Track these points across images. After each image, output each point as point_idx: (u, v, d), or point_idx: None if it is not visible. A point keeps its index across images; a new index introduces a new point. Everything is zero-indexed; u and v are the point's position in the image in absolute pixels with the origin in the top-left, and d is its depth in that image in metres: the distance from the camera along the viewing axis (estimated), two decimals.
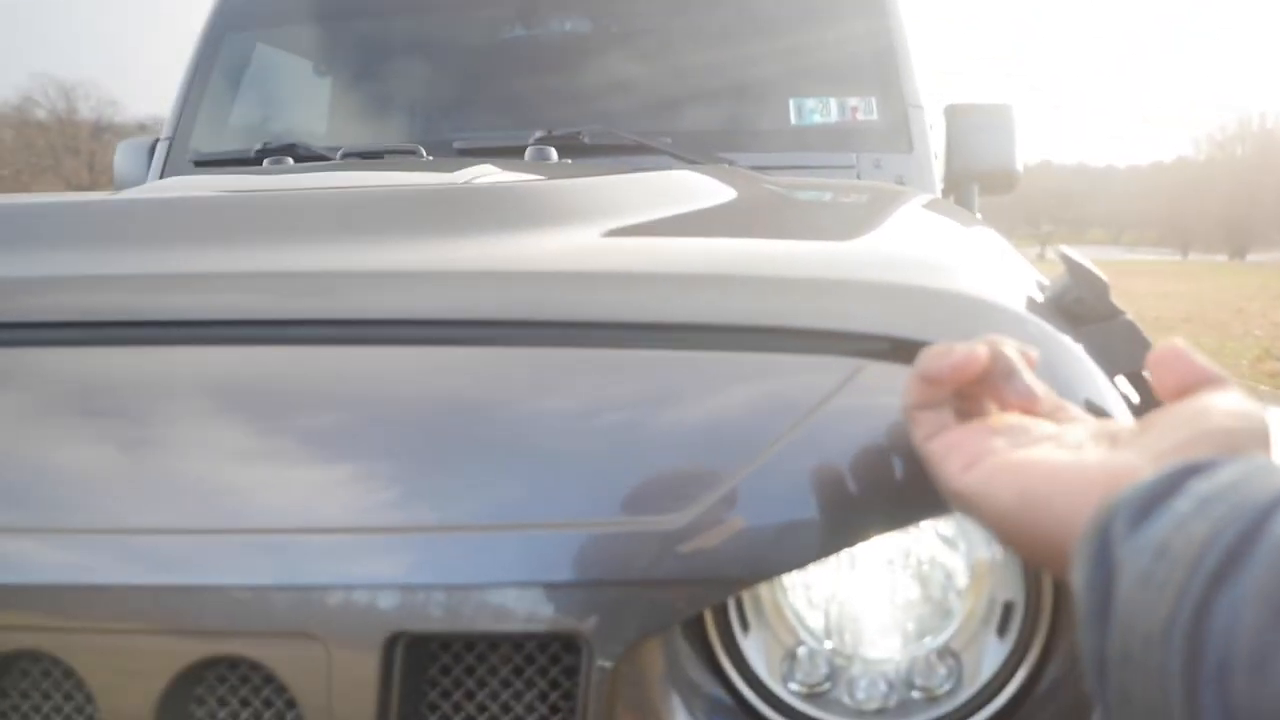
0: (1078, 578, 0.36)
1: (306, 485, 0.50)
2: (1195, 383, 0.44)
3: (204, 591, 0.48)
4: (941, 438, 0.46)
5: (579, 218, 0.74)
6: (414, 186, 0.83)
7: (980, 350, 0.46)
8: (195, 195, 0.79)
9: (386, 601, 0.48)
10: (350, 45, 1.92)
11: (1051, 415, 0.48)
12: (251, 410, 0.53)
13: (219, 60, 1.90)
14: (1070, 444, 0.44)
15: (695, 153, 1.51)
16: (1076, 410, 0.49)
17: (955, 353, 0.46)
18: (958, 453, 0.45)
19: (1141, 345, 0.59)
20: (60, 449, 0.53)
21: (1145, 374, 0.58)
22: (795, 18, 1.76)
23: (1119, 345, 0.58)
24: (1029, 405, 0.46)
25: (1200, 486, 0.34)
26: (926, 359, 0.47)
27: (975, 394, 0.48)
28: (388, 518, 0.49)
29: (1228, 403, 0.42)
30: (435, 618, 0.48)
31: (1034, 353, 0.49)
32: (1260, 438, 0.41)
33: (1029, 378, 0.47)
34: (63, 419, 0.54)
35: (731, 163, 1.51)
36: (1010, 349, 0.47)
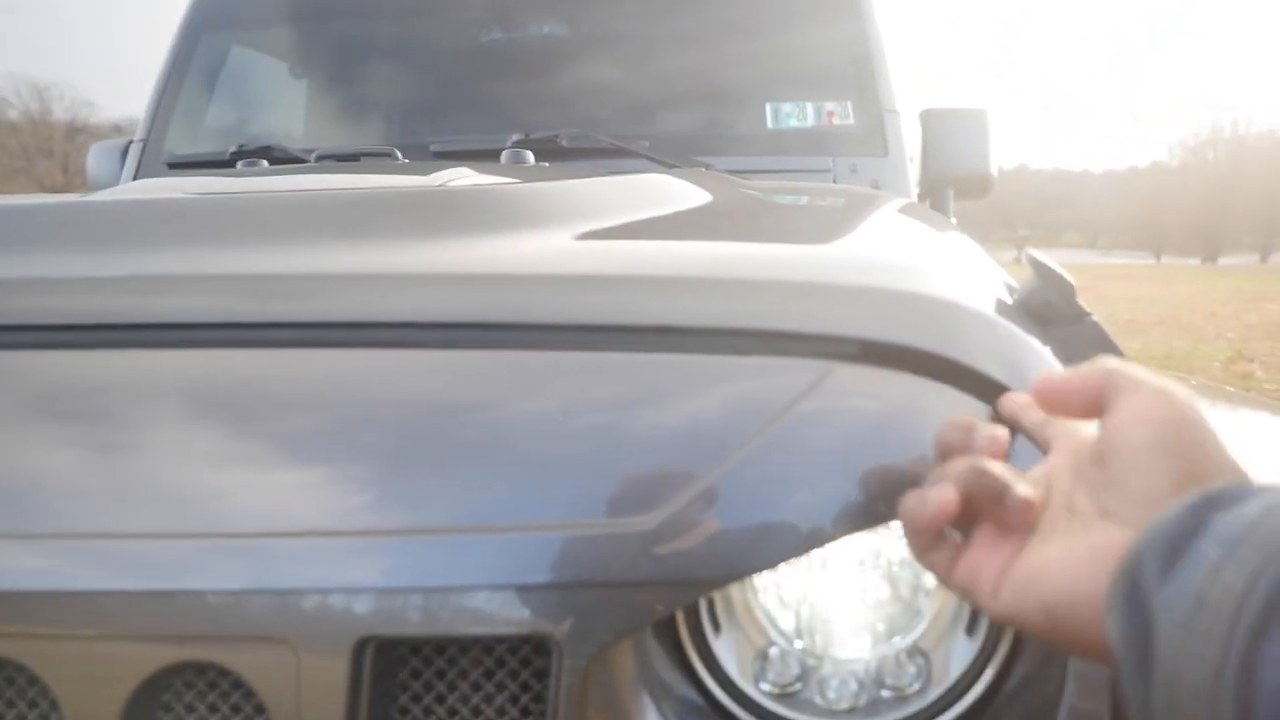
0: (1112, 631, 0.36)
1: (279, 489, 0.50)
2: (1101, 387, 0.44)
3: (171, 596, 0.48)
4: (958, 567, 0.46)
5: (553, 221, 0.74)
6: (389, 188, 0.82)
7: (950, 495, 0.44)
8: (169, 197, 0.78)
9: (357, 605, 0.48)
10: (327, 48, 1.91)
11: (1038, 430, 0.48)
12: (224, 414, 0.53)
13: (194, 62, 1.89)
14: (1061, 503, 0.44)
15: (672, 156, 1.52)
16: (1058, 422, 0.48)
17: (930, 502, 0.45)
18: (977, 580, 0.45)
19: (1108, 346, 0.59)
20: (27, 453, 0.52)
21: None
22: (772, 22, 1.77)
23: (1086, 346, 0.59)
24: (1027, 518, 0.44)
25: (1223, 526, 0.34)
26: (906, 513, 0.46)
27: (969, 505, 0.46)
28: (360, 521, 0.49)
29: (1167, 405, 0.41)
30: (406, 621, 0.48)
31: (1001, 435, 0.47)
32: (1204, 422, 0.41)
33: (1020, 489, 0.44)
34: (31, 422, 0.54)
35: (708, 166, 1.51)
36: (990, 471, 0.44)
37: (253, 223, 0.70)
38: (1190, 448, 0.40)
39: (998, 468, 0.45)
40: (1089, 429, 0.47)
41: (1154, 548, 0.35)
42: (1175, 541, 0.35)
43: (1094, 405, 0.44)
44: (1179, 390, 0.42)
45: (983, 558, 0.45)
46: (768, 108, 1.71)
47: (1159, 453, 0.40)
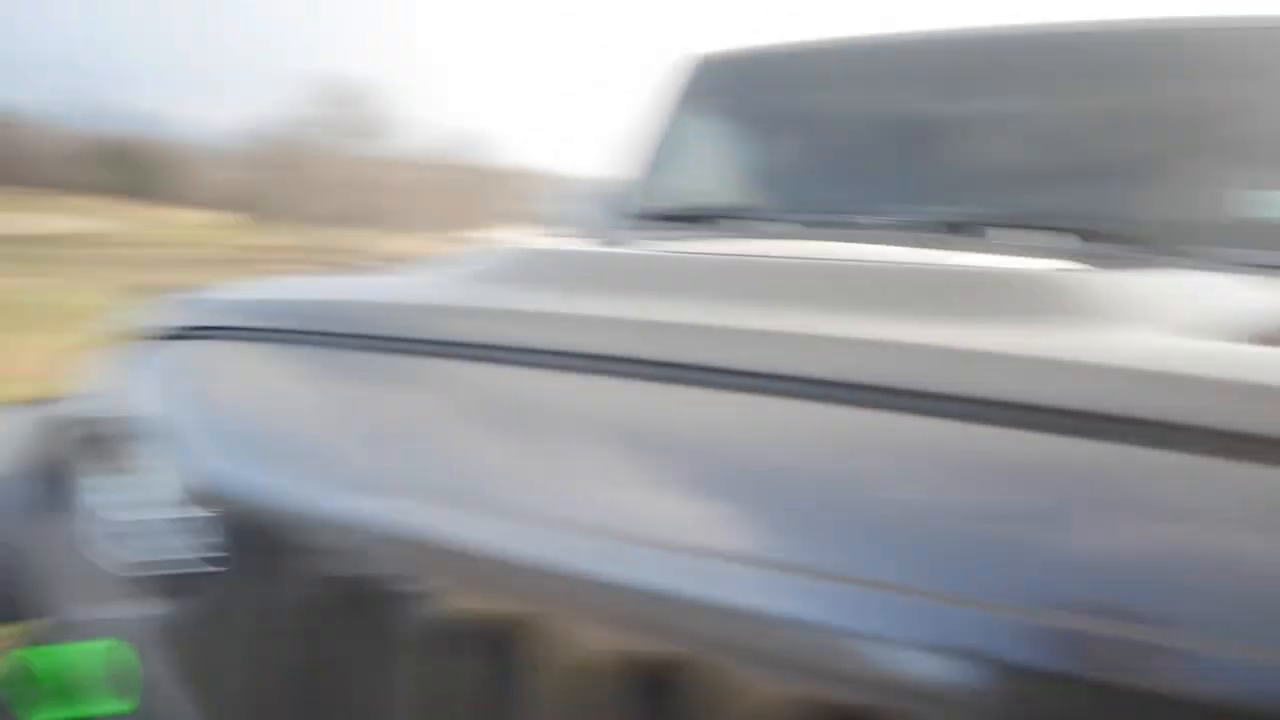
0: None
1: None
2: None
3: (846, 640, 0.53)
4: None
5: (1144, 314, 0.74)
6: (981, 268, 0.88)
7: None
8: (746, 257, 0.88)
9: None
10: (801, 118, 2.00)
11: None
12: (858, 468, 0.60)
13: (671, 126, 2.06)
14: None
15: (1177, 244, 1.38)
16: None
17: None
18: None
19: None
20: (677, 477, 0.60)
21: None
22: (1249, 99, 1.56)
23: None
24: None
25: None
26: None
27: None
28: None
29: None
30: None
31: None
32: None
33: None
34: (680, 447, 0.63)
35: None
36: None
37: (829, 288, 0.75)
38: None
39: None
40: None
41: None
42: None
43: None
44: None
45: None
46: (1255, 196, 1.53)
47: None
